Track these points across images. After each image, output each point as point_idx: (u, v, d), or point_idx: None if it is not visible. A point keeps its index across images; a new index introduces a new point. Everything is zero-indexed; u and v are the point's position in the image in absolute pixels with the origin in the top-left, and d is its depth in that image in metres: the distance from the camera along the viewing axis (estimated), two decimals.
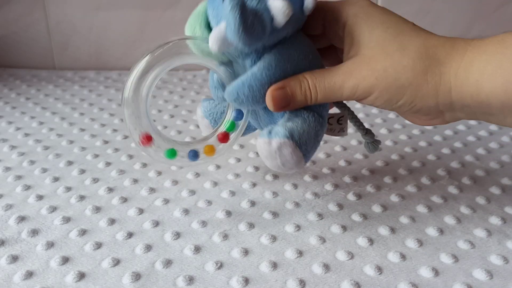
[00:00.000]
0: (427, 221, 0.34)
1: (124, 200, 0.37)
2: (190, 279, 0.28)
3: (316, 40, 0.33)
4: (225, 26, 0.28)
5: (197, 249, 0.31)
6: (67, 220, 0.34)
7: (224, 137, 0.34)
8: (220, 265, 0.30)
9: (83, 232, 0.33)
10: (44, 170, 0.41)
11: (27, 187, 0.38)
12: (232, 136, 0.34)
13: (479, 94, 0.27)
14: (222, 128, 0.34)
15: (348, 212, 0.35)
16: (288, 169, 0.31)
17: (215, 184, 0.39)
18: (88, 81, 0.69)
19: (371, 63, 0.29)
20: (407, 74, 0.28)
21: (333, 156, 0.45)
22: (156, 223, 0.34)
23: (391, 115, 0.55)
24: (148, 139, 0.31)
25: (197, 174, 0.41)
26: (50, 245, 0.31)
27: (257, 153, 0.45)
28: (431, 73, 0.28)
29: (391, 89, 0.28)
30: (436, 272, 0.29)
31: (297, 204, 0.36)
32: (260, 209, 0.36)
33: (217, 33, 0.28)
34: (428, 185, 0.40)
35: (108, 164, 0.43)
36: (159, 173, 0.41)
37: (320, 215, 0.35)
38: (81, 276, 0.29)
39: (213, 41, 0.29)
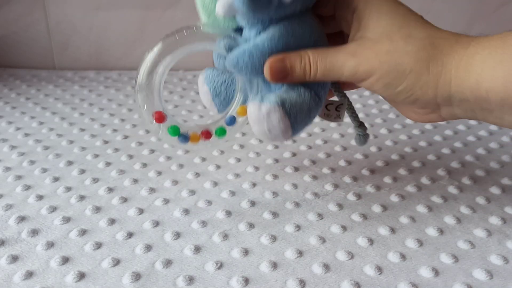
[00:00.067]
0: (427, 221, 0.34)
1: (124, 200, 0.37)
2: (190, 279, 0.28)
3: (325, 23, 0.33)
4: None
5: (197, 249, 0.31)
6: (67, 220, 0.34)
7: (207, 135, 0.34)
8: (220, 265, 0.30)
9: (83, 232, 0.33)
10: (44, 170, 0.41)
11: (27, 187, 0.38)
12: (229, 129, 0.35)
13: (478, 88, 0.27)
14: (233, 110, 0.35)
15: (348, 212, 0.35)
16: (274, 136, 0.31)
17: (215, 184, 0.39)
18: (88, 81, 0.69)
19: (375, 46, 0.29)
20: (410, 60, 0.28)
21: (333, 156, 0.45)
22: (156, 223, 0.34)
23: (391, 115, 0.56)
24: (161, 116, 0.32)
25: (197, 174, 0.41)
26: (50, 245, 0.31)
27: (257, 153, 0.45)
28: (433, 62, 0.28)
29: (392, 73, 0.28)
30: (436, 272, 0.29)
31: (297, 204, 0.36)
32: (260, 209, 0.36)
33: None
34: (428, 185, 0.40)
35: (108, 164, 0.43)
36: (159, 173, 0.41)
37: (320, 215, 0.35)
38: (81, 276, 0.29)
39: (220, 5, 0.29)
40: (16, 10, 0.71)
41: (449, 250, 0.31)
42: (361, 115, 0.56)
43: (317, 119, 0.53)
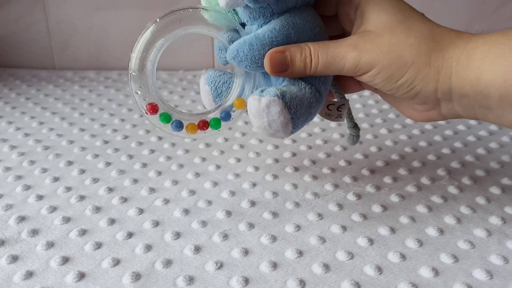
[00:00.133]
0: (427, 221, 0.34)
1: (124, 200, 0.37)
2: (190, 279, 0.28)
3: (327, 24, 0.33)
4: None
5: (197, 249, 0.31)
6: (67, 220, 0.34)
7: (204, 124, 0.34)
8: (220, 265, 0.30)
9: (83, 232, 0.33)
10: (44, 170, 0.41)
11: (27, 187, 0.38)
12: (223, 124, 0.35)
13: (478, 83, 0.27)
14: (229, 102, 0.34)
15: (348, 212, 0.35)
16: (274, 131, 0.31)
17: (215, 184, 0.39)
18: (88, 81, 0.69)
19: (377, 39, 0.29)
20: (411, 52, 0.28)
21: (333, 156, 0.45)
22: (156, 223, 0.34)
23: (391, 115, 0.55)
24: (153, 108, 0.32)
25: (197, 174, 0.41)
26: (50, 245, 0.31)
27: (257, 153, 0.45)
28: (435, 56, 0.28)
29: (394, 66, 0.28)
30: (436, 272, 0.29)
31: (297, 204, 0.36)
32: (260, 209, 0.36)
33: None
34: (428, 185, 0.40)
35: (108, 164, 0.43)
36: (159, 173, 0.41)
37: (320, 215, 0.35)
38: (81, 276, 0.29)
39: None
40: (16, 10, 0.71)
41: (449, 250, 0.31)
42: (361, 115, 0.56)
43: (317, 119, 0.53)
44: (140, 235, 0.33)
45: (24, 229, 0.33)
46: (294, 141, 0.48)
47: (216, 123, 0.34)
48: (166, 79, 0.70)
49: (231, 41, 0.32)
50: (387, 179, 0.40)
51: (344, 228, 0.33)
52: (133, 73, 0.31)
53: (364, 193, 0.38)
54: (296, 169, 0.42)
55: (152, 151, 0.45)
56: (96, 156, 0.44)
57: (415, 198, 0.37)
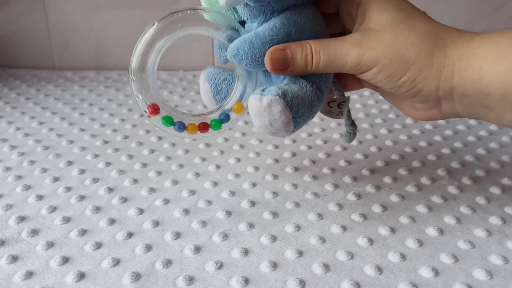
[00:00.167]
0: (427, 221, 0.34)
1: (124, 200, 0.37)
2: (190, 279, 0.28)
3: (327, 22, 0.33)
4: None
5: (197, 249, 0.31)
6: (67, 220, 0.34)
7: (204, 127, 0.34)
8: (220, 265, 0.30)
9: (83, 232, 0.33)
10: (44, 170, 0.41)
11: (27, 187, 0.38)
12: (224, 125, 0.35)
13: (480, 82, 0.27)
14: (229, 106, 0.34)
15: (348, 212, 0.35)
16: (276, 130, 0.30)
17: (215, 184, 0.39)
18: (88, 81, 0.69)
19: (379, 36, 0.29)
20: (414, 50, 0.28)
21: (333, 156, 0.45)
22: (156, 223, 0.34)
23: (391, 115, 0.55)
24: (155, 109, 0.32)
25: (197, 174, 0.41)
26: (50, 245, 0.31)
27: (257, 153, 0.45)
28: (437, 54, 0.28)
29: (396, 64, 0.28)
30: (436, 272, 0.29)
31: (297, 204, 0.36)
32: (260, 209, 0.36)
33: None
34: (428, 185, 0.40)
35: (108, 164, 0.43)
36: (159, 173, 0.41)
37: (320, 215, 0.35)
38: (81, 276, 0.29)
39: None
40: (16, 10, 0.71)
41: (449, 250, 0.31)
42: (361, 115, 0.56)
43: (317, 119, 0.53)
44: (140, 235, 0.33)
45: (24, 229, 0.33)
46: (294, 141, 0.48)
47: (216, 124, 0.34)
48: (166, 79, 0.70)
49: (231, 40, 0.32)
50: (387, 179, 0.40)
51: (344, 228, 0.33)
52: (134, 78, 0.31)
53: (364, 193, 0.38)
54: (296, 169, 0.42)
55: (152, 151, 0.45)
56: (96, 156, 0.44)
57: (415, 198, 0.37)
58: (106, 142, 0.48)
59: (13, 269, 0.29)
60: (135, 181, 0.40)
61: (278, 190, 0.38)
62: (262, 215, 0.35)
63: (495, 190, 0.39)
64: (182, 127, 0.33)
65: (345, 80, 0.36)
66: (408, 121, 0.53)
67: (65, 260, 0.30)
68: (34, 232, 0.33)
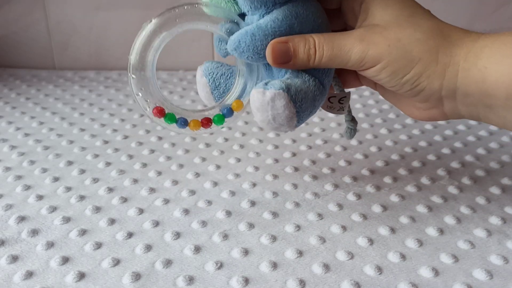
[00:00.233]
0: (427, 221, 0.34)
1: (124, 200, 0.37)
2: (190, 279, 0.28)
3: (329, 18, 0.33)
4: None
5: (197, 249, 0.31)
6: (67, 220, 0.34)
7: (207, 122, 0.34)
8: (220, 265, 0.30)
9: (83, 232, 0.33)
10: (44, 170, 0.41)
11: (27, 187, 0.38)
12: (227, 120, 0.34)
13: (484, 82, 0.27)
14: (230, 100, 0.34)
15: (348, 212, 0.35)
16: (279, 125, 0.30)
17: (215, 184, 0.39)
18: (88, 81, 0.69)
19: (384, 32, 0.28)
20: (420, 48, 0.27)
21: (333, 156, 0.45)
22: (156, 223, 0.34)
23: (391, 115, 0.55)
24: (160, 111, 0.32)
25: (197, 174, 0.41)
26: (50, 245, 0.31)
27: (257, 153, 0.45)
28: (442, 52, 0.27)
29: (401, 61, 0.28)
30: (436, 272, 0.29)
31: (297, 204, 0.36)
32: (260, 209, 0.36)
33: None
34: (428, 185, 0.40)
35: (108, 164, 0.43)
36: (159, 173, 0.41)
37: (320, 215, 0.35)
38: (81, 276, 0.29)
39: None
40: (16, 10, 0.71)
41: (449, 250, 0.31)
42: (361, 115, 0.56)
43: (317, 119, 0.53)
44: (140, 235, 0.33)
45: (24, 229, 0.33)
46: (294, 141, 0.48)
47: (219, 119, 0.33)
48: (166, 79, 0.70)
49: (230, 33, 0.31)
50: (387, 179, 0.40)
51: (344, 228, 0.33)
52: (133, 75, 0.31)
53: (364, 193, 0.38)
54: (296, 169, 0.42)
55: (152, 151, 0.45)
56: (96, 156, 0.44)
57: (415, 198, 0.37)
58: (106, 142, 0.48)
59: (13, 269, 0.29)
60: (135, 181, 0.40)
61: (278, 190, 0.38)
62: (262, 215, 0.35)
63: (495, 190, 0.39)
64: (184, 123, 0.33)
65: (344, 76, 0.35)
66: (408, 121, 0.53)
67: (65, 260, 0.30)
68: (34, 232, 0.33)
